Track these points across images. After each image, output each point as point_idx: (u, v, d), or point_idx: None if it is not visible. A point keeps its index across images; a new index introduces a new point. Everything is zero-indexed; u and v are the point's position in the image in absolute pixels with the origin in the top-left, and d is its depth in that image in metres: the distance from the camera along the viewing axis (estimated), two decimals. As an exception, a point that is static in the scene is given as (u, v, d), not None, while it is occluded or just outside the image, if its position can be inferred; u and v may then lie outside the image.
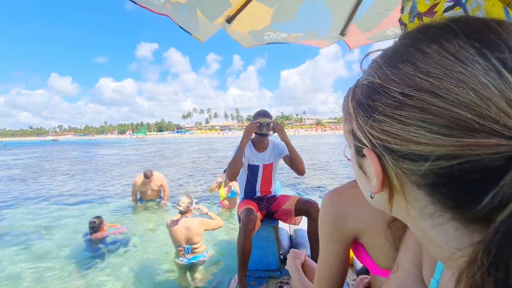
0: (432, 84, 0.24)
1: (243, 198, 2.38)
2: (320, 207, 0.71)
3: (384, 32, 1.93)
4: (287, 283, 2.11)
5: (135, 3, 1.20)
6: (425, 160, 0.24)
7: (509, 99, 0.21)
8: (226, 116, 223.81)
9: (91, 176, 10.51)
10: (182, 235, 2.94)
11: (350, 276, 2.05)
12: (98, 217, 3.80)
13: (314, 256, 2.08)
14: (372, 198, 0.34)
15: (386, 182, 0.29)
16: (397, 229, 0.56)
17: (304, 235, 2.44)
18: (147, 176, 5.21)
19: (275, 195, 2.40)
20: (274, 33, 1.89)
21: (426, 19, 0.79)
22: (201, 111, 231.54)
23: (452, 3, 0.72)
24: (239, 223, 2.09)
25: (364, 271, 1.71)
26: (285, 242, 2.54)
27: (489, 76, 0.22)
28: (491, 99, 0.21)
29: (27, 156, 23.46)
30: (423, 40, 0.27)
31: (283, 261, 2.33)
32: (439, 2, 0.75)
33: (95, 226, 3.70)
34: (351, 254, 0.76)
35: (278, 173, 2.45)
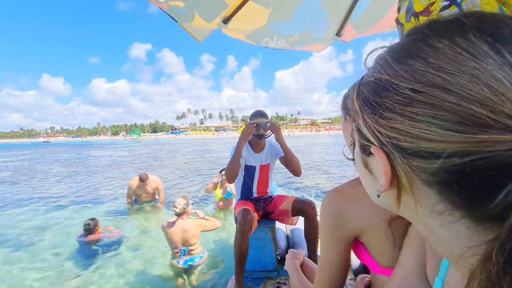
0: (444, 79, 0.23)
1: (239, 198, 2.37)
2: (320, 207, 0.71)
3: (379, 33, 1.94)
4: (285, 284, 2.11)
5: None
6: (437, 158, 0.24)
7: None
8: (220, 117, 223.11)
9: (85, 178, 10.36)
10: (179, 237, 2.92)
11: (347, 275, 2.05)
12: (93, 219, 3.76)
13: (312, 256, 2.08)
14: (378, 197, 0.33)
15: (395, 181, 0.29)
16: (398, 228, 0.56)
17: (301, 235, 2.44)
18: (142, 180, 5.18)
19: (272, 196, 2.40)
20: (273, 39, 1.89)
21: (423, 19, 0.80)
22: (196, 112, 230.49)
23: (447, 3, 0.72)
24: (236, 224, 2.08)
25: (361, 270, 1.71)
26: (282, 243, 2.53)
27: (503, 71, 0.22)
28: (505, 94, 0.21)
29: (18, 158, 23.02)
30: (433, 35, 0.26)
31: (280, 261, 2.33)
32: (435, 1, 0.75)
33: (90, 228, 3.65)
34: (350, 253, 0.76)
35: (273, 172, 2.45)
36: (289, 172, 2.27)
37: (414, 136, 0.25)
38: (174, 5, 1.31)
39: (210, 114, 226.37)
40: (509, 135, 0.21)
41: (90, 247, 3.60)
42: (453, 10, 0.67)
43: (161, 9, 1.33)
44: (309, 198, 2.25)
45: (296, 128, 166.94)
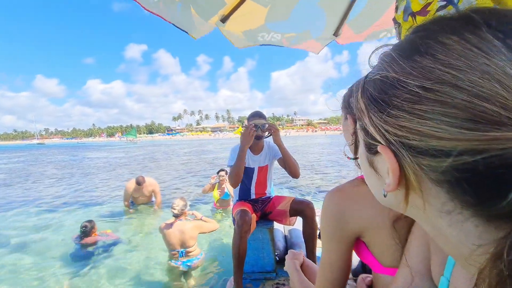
0: (454, 76, 0.23)
1: (237, 200, 2.36)
2: (321, 206, 0.70)
3: (376, 33, 1.95)
4: (284, 285, 2.10)
5: None
6: (447, 156, 0.23)
7: None
8: (217, 117, 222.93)
9: (80, 180, 10.26)
10: (176, 239, 2.90)
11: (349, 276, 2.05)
12: (90, 221, 3.72)
13: (310, 256, 2.08)
14: (385, 196, 0.33)
15: (402, 180, 0.29)
16: (401, 227, 0.56)
17: (299, 235, 2.44)
18: (139, 183, 5.15)
19: (270, 196, 2.39)
20: (269, 34, 1.88)
21: (420, 18, 0.81)
22: (192, 113, 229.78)
23: (444, 2, 0.73)
24: (234, 225, 2.07)
25: (359, 270, 1.71)
26: (280, 243, 2.53)
27: None
28: None
29: (11, 160, 22.72)
30: (441, 32, 0.26)
31: (279, 262, 2.32)
32: (432, 1, 0.76)
33: (87, 230, 3.61)
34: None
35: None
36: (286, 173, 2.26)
37: (423, 134, 0.24)
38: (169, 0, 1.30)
39: (206, 115, 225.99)
40: None
41: (86, 249, 3.55)
42: (450, 10, 0.68)
43: (162, 18, 1.33)
44: (307, 198, 2.25)
45: (293, 129, 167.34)
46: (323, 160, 14.20)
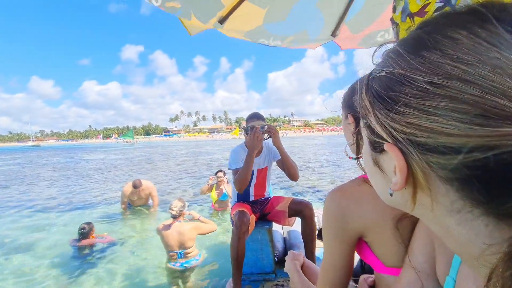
0: (464, 71, 0.23)
1: (236, 201, 2.34)
2: (323, 206, 0.70)
3: (374, 33, 1.96)
4: (283, 286, 2.10)
5: None
6: (457, 153, 0.23)
7: None
8: (214, 118, 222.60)
9: (77, 182, 10.18)
10: (175, 240, 2.88)
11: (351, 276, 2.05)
12: (88, 223, 3.70)
13: (310, 257, 2.08)
14: (391, 196, 0.32)
15: (410, 178, 0.28)
16: (404, 227, 0.56)
17: (298, 236, 2.44)
18: (136, 186, 5.12)
19: (269, 197, 2.38)
20: (268, 39, 1.89)
21: (418, 19, 0.81)
22: (189, 114, 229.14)
23: (442, 4, 0.73)
24: (232, 226, 2.06)
25: (359, 270, 1.71)
26: (279, 244, 2.52)
27: None
28: None
29: (6, 162, 22.49)
30: (450, 26, 0.25)
31: (278, 263, 2.32)
32: (430, 2, 0.76)
33: (85, 232, 3.59)
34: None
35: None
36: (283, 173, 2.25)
37: (432, 131, 0.24)
38: (171, 6, 1.30)
39: (203, 116, 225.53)
40: None
41: (83, 251, 3.52)
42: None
43: (158, 6, 1.32)
44: (305, 199, 2.24)
45: (290, 130, 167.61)
46: (321, 160, 14.22)
